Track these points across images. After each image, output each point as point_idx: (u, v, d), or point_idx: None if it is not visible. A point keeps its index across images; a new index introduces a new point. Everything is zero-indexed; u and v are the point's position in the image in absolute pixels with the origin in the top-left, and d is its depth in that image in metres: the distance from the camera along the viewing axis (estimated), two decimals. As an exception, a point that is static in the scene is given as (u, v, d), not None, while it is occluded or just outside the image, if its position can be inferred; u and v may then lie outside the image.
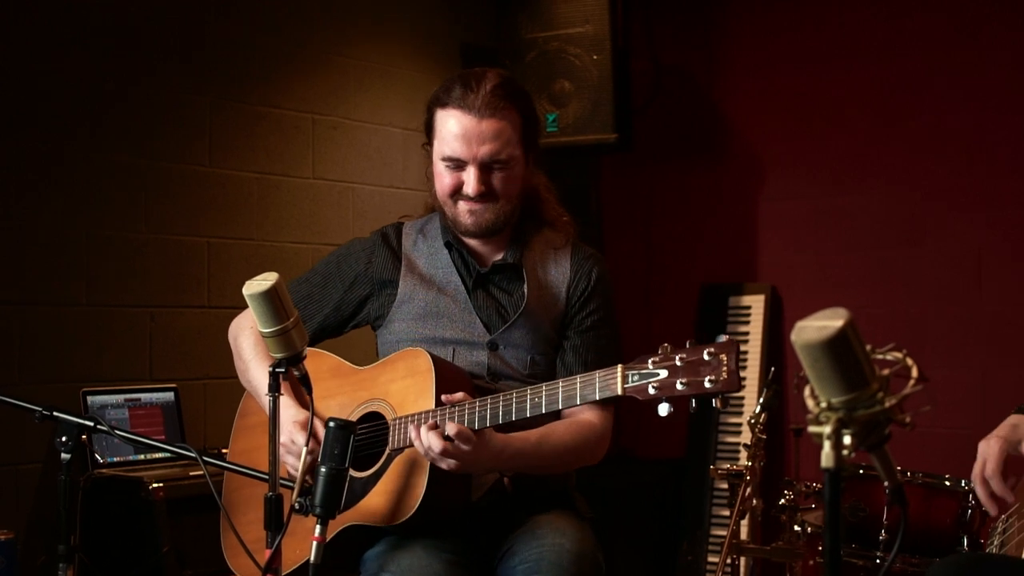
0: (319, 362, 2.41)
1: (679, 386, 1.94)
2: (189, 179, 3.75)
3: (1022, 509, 2.25)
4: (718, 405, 1.95)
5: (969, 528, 2.79)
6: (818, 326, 1.25)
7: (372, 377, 2.37)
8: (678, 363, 1.95)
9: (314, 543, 1.98)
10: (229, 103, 3.86)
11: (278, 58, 4.01)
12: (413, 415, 2.22)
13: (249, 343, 2.49)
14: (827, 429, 1.26)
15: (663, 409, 1.95)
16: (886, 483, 1.41)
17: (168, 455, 3.15)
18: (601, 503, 2.60)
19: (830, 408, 1.27)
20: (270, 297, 1.95)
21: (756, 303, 4.57)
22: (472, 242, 2.45)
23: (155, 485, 3.10)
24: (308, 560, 2.00)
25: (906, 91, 4.30)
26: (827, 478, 1.27)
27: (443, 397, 2.17)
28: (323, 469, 2.00)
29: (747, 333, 4.54)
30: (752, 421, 2.98)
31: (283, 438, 2.25)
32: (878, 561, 2.84)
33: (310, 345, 2.16)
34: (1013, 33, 4.08)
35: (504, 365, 2.37)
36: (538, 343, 2.39)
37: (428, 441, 2.10)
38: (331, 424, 2.03)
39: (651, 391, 1.97)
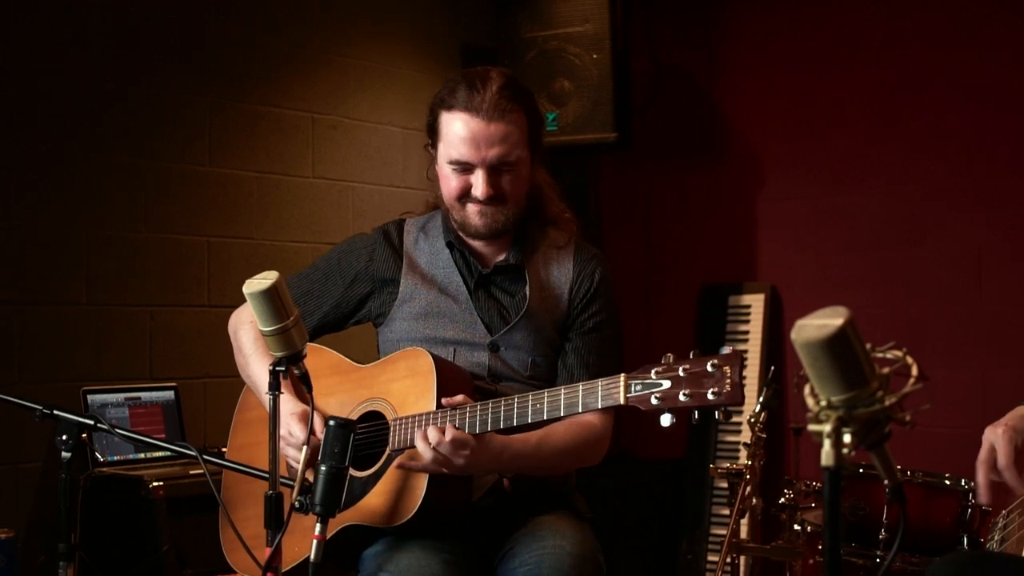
0: (319, 358, 2.40)
1: (682, 397, 1.93)
2: (189, 179, 3.75)
3: (1022, 506, 2.25)
4: (720, 417, 1.94)
5: (969, 527, 2.79)
6: (818, 324, 1.24)
7: (373, 375, 2.36)
8: (681, 374, 1.94)
9: (314, 541, 1.97)
10: (229, 103, 3.86)
11: (278, 58, 4.01)
12: (414, 416, 2.21)
13: (249, 337, 2.48)
14: (827, 427, 1.26)
15: (665, 419, 1.95)
16: (886, 482, 1.40)
17: (168, 454, 3.16)
18: (601, 503, 2.60)
19: (830, 406, 1.27)
20: (270, 296, 1.95)
21: (756, 303, 4.57)
22: (474, 242, 2.43)
23: (155, 484, 3.10)
24: (306, 558, 2.00)
25: (906, 91, 4.29)
26: (827, 477, 1.26)
27: (443, 400, 2.17)
28: (323, 467, 2.00)
29: (747, 332, 4.54)
30: (752, 420, 2.97)
31: (281, 430, 2.24)
32: (878, 560, 2.84)
33: (310, 340, 2.15)
34: (1013, 33, 4.07)
35: (505, 366, 2.36)
36: (539, 345, 2.37)
37: (428, 455, 2.11)
38: (331, 423, 2.02)
39: (654, 401, 1.96)
